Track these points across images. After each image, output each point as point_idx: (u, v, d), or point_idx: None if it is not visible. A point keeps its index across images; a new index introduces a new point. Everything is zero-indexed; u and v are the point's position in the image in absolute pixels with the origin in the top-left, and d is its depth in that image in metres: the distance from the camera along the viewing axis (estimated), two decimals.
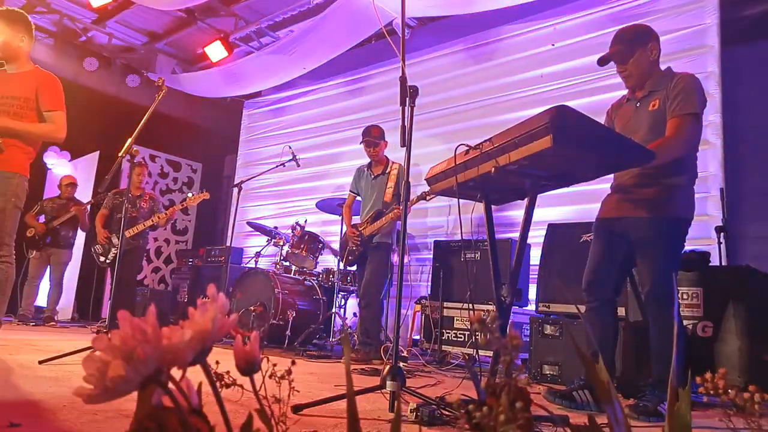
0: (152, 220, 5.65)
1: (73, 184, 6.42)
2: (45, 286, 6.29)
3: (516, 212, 5.17)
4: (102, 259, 5.73)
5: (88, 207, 6.36)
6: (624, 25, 2.58)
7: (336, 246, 5.05)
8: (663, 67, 2.56)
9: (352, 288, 5.11)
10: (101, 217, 5.80)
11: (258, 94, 8.40)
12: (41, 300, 6.37)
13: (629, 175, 2.47)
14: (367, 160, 4.78)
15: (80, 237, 7.10)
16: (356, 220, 4.75)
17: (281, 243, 5.57)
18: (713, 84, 4.40)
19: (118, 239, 5.48)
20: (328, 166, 7.20)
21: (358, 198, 4.79)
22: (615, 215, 2.50)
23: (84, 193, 6.86)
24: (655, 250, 2.35)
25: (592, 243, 2.60)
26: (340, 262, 4.81)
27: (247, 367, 0.75)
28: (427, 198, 4.19)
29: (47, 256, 6.17)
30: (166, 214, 5.70)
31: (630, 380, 2.87)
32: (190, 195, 5.74)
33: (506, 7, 5.32)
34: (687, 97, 2.32)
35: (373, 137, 4.52)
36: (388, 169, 4.55)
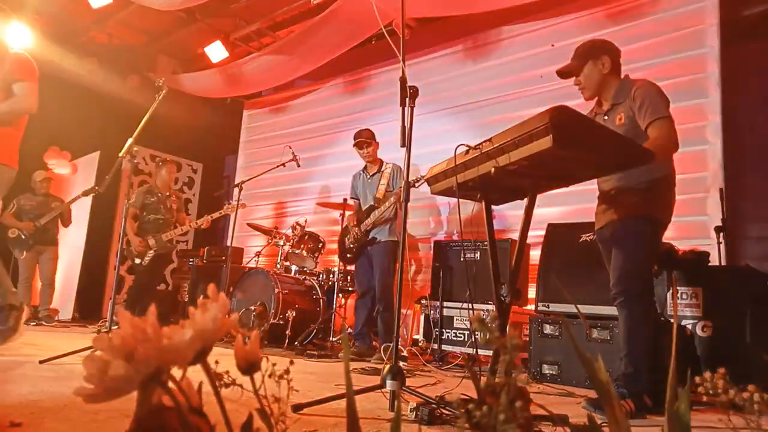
0: (198, 223, 5.46)
1: (48, 179, 6.30)
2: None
3: (516, 212, 5.16)
4: (138, 261, 5.38)
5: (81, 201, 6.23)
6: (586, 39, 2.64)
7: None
8: (642, 73, 2.62)
9: (351, 288, 5.10)
10: (132, 217, 5.34)
11: (258, 94, 8.40)
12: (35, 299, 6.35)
13: (609, 184, 2.54)
14: (362, 164, 4.80)
15: (81, 237, 7.11)
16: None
17: (281, 243, 5.57)
18: (713, 84, 4.40)
19: (155, 241, 5.33)
20: (328, 166, 7.20)
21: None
22: (603, 223, 2.58)
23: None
24: (622, 248, 2.42)
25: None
26: (340, 261, 4.81)
27: (248, 367, 0.75)
28: (416, 185, 4.19)
29: (36, 255, 6.10)
30: (211, 217, 5.53)
31: None
32: (230, 203, 5.54)
33: (506, 7, 5.32)
34: (651, 103, 2.39)
35: (364, 138, 4.56)
36: (383, 168, 4.59)
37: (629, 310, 2.34)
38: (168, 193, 5.62)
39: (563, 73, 2.61)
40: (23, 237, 5.96)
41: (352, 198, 4.79)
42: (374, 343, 4.54)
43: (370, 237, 4.42)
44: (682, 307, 3.06)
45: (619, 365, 2.39)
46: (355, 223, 4.53)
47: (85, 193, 5.91)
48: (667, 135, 2.33)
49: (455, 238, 5.09)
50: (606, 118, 2.54)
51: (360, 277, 4.54)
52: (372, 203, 4.50)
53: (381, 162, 4.66)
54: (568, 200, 4.55)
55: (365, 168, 4.69)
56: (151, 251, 5.34)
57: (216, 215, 5.48)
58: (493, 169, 1.92)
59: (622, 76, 2.60)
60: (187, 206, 8.52)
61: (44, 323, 5.89)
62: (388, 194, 4.43)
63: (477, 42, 6.06)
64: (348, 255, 4.57)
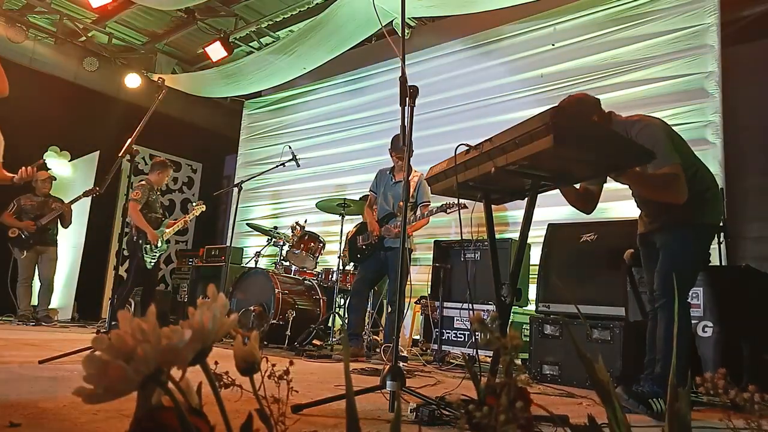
0: (184, 222, 5.68)
1: (51, 179, 6.28)
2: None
3: (516, 212, 5.16)
4: (148, 260, 5.33)
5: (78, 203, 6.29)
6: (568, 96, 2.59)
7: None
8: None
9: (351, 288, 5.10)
10: (140, 212, 5.29)
11: (258, 94, 8.40)
12: (33, 299, 6.35)
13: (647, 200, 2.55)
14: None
15: (80, 237, 7.10)
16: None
17: (281, 243, 5.57)
18: (713, 84, 4.40)
19: (162, 240, 5.42)
20: (328, 166, 7.20)
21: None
22: (647, 230, 2.59)
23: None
24: (665, 252, 2.43)
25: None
26: (344, 259, 4.81)
27: (247, 368, 0.75)
28: (448, 212, 4.15)
29: (36, 255, 6.09)
30: (187, 218, 5.79)
31: (630, 379, 2.87)
32: (194, 204, 5.81)
33: (506, 7, 5.32)
34: (657, 152, 2.25)
35: (401, 148, 4.46)
36: (410, 177, 4.50)
37: (671, 313, 2.34)
38: (159, 192, 5.72)
39: None
40: (23, 237, 5.96)
41: (371, 191, 4.75)
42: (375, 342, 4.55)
43: (385, 245, 4.41)
44: None
45: (652, 366, 2.39)
46: (374, 225, 4.49)
47: (86, 194, 5.92)
48: (673, 188, 2.30)
49: (455, 237, 5.08)
50: None
51: (360, 277, 4.53)
52: (391, 210, 4.47)
53: (410, 170, 4.58)
54: None
55: (392, 170, 4.63)
56: (156, 252, 5.40)
57: (189, 216, 5.82)
58: (493, 169, 1.91)
59: (612, 116, 2.53)
60: (186, 206, 8.53)
61: (43, 323, 5.89)
62: (410, 206, 4.38)
63: (477, 42, 6.06)
64: (358, 255, 4.57)
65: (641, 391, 2.26)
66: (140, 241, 5.28)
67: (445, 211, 4.17)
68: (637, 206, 2.66)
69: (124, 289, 5.40)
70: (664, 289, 2.38)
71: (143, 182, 5.47)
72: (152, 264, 5.41)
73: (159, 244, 5.37)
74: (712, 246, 3.74)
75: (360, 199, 5.04)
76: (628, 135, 2.40)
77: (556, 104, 2.52)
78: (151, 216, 5.38)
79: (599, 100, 2.55)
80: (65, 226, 6.28)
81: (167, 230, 5.50)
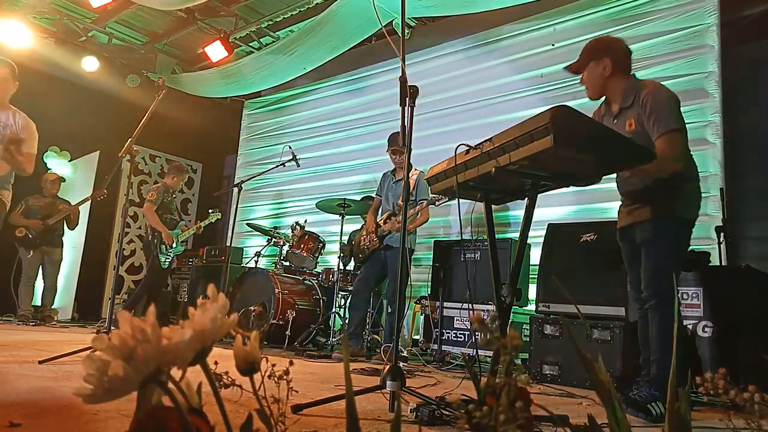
0: (198, 228, 5.82)
1: (60, 180, 6.33)
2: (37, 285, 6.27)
3: (516, 212, 5.16)
4: (163, 259, 5.51)
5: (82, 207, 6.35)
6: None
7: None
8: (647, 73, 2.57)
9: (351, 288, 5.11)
10: (156, 213, 5.48)
11: (258, 94, 8.40)
12: (35, 299, 6.36)
13: (631, 185, 2.50)
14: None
15: (80, 237, 7.11)
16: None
17: (281, 243, 5.57)
18: (713, 84, 4.40)
19: (177, 242, 5.55)
20: (329, 166, 7.20)
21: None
22: (627, 223, 2.55)
23: (82, 194, 6.83)
24: (652, 250, 2.39)
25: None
26: (346, 259, 4.82)
27: (247, 368, 0.75)
28: (437, 204, 4.19)
29: (41, 255, 6.12)
30: (201, 224, 5.89)
31: (630, 380, 2.87)
32: (210, 211, 5.93)
33: (506, 7, 5.32)
34: (661, 114, 2.33)
35: (399, 146, 4.51)
36: (410, 176, 4.54)
37: (662, 313, 2.30)
38: (175, 195, 5.85)
39: (571, 70, 2.58)
40: (30, 237, 6.00)
41: (377, 195, 4.82)
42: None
43: (384, 243, 4.43)
44: (683, 308, 3.05)
45: (647, 366, 2.37)
46: (373, 228, 4.53)
47: (94, 197, 5.99)
48: (672, 149, 2.28)
49: (455, 238, 5.09)
50: (615, 121, 2.49)
51: (362, 277, 4.54)
52: (392, 209, 4.50)
53: (410, 168, 4.62)
54: (568, 200, 4.55)
55: (394, 171, 4.68)
56: (171, 252, 5.54)
57: (203, 223, 5.90)
58: (493, 169, 1.92)
59: (631, 78, 2.54)
60: (186, 206, 8.53)
61: (44, 323, 5.90)
62: (410, 203, 4.41)
63: (477, 42, 6.06)
64: (360, 255, 4.61)
65: (639, 396, 2.24)
66: (156, 241, 5.45)
67: (434, 204, 4.20)
68: (618, 189, 2.60)
69: (140, 289, 5.63)
70: (652, 289, 2.35)
71: (159, 184, 5.67)
72: (166, 264, 5.56)
73: (174, 245, 5.51)
74: (712, 246, 3.76)
75: (361, 199, 5.05)
76: (638, 96, 2.42)
77: (585, 45, 2.58)
78: (166, 217, 5.54)
79: (629, 50, 2.58)
80: (71, 227, 6.32)
81: (182, 232, 5.59)
